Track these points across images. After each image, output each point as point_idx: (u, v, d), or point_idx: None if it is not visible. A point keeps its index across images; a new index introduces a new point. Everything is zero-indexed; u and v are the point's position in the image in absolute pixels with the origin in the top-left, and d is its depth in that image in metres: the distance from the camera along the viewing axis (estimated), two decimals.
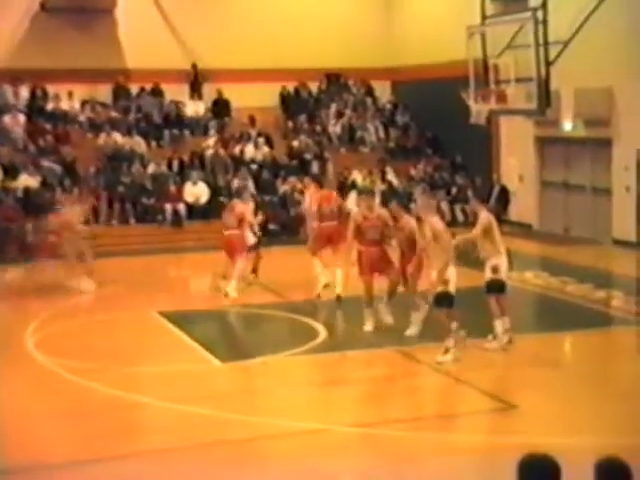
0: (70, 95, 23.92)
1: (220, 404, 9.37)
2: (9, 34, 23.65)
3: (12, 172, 20.87)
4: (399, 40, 26.27)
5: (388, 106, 27.13)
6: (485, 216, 11.15)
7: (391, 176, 23.52)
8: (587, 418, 8.81)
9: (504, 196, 21.55)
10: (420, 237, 11.33)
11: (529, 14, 18.04)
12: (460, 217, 22.34)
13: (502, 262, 11.16)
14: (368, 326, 12.16)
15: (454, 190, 23.18)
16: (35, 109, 23.49)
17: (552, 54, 17.92)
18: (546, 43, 17.75)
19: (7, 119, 22.59)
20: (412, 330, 11.83)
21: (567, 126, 20.05)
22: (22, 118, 22.85)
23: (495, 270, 11.06)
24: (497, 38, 19.73)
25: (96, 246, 19.51)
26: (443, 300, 10.47)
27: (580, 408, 9.20)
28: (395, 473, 7.82)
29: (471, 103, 19.68)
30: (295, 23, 25.57)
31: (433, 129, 25.54)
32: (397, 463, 7.85)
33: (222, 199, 19.91)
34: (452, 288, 10.48)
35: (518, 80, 18.41)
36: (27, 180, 20.69)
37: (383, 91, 27.49)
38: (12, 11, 23.77)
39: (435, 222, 10.72)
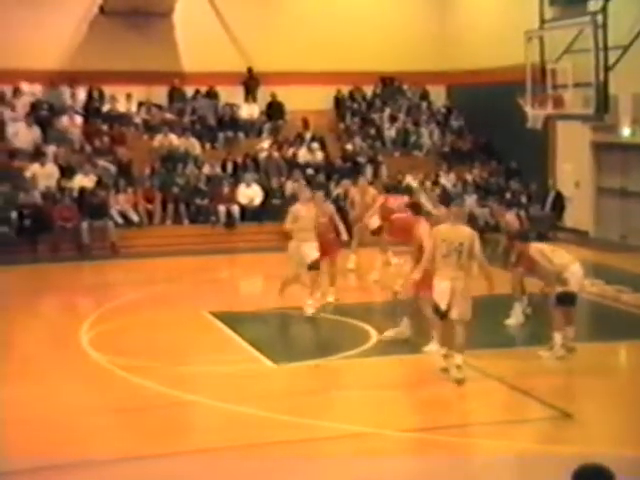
0: (129, 97, 24.16)
1: (271, 405, 9.34)
2: (68, 37, 24.00)
3: (68, 172, 21.16)
4: (455, 44, 26.11)
5: (442, 110, 26.99)
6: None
7: (445, 180, 23.37)
8: None
9: (560, 202, 21.31)
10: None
11: (588, 18, 17.86)
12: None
13: (572, 273, 10.97)
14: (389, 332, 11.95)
15: (508, 195, 22.94)
16: (92, 110, 23.75)
17: (611, 59, 17.68)
18: (605, 48, 17.54)
19: (64, 120, 22.87)
20: (512, 320, 12.66)
21: (625, 132, 19.76)
22: (79, 119, 23.13)
23: (565, 283, 10.93)
24: (555, 42, 19.54)
25: (149, 246, 19.80)
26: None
27: (636, 419, 9.03)
28: (446, 479, 7.73)
29: (528, 108, 19.50)
30: (350, 26, 25.54)
31: (488, 134, 25.33)
32: (448, 469, 7.76)
33: (275, 201, 19.94)
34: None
35: (576, 85, 18.20)
36: (82, 180, 20.93)
37: (438, 95, 27.36)
38: (72, 14, 24.09)
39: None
